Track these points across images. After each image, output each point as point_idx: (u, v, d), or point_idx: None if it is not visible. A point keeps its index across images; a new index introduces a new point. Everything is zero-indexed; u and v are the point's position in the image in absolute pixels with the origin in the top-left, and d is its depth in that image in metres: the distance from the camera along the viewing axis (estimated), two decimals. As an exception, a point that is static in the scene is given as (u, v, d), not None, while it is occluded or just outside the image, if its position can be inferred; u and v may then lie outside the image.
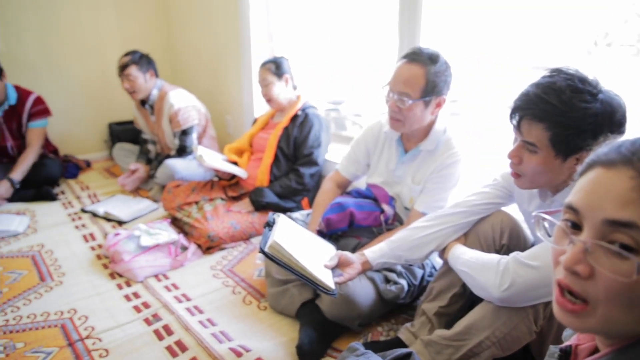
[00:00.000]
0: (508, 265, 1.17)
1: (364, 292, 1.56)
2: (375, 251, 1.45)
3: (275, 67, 2.35)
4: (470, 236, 1.43)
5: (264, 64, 2.39)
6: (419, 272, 1.66)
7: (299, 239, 1.41)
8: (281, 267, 1.27)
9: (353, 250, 1.69)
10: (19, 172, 2.84)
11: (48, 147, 3.17)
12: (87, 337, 1.66)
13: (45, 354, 1.58)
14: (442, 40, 2.08)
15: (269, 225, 1.38)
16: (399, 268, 1.63)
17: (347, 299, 1.51)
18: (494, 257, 1.23)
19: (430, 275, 1.71)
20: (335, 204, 1.75)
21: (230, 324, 1.71)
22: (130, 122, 3.63)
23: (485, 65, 2.10)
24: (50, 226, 2.54)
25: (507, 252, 1.32)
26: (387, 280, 1.62)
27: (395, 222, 1.78)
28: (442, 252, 1.46)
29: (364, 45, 2.53)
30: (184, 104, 2.80)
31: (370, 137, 1.88)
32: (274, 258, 1.26)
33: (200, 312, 1.79)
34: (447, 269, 1.46)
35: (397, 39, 2.09)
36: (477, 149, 1.99)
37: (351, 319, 1.57)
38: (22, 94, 2.93)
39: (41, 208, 2.78)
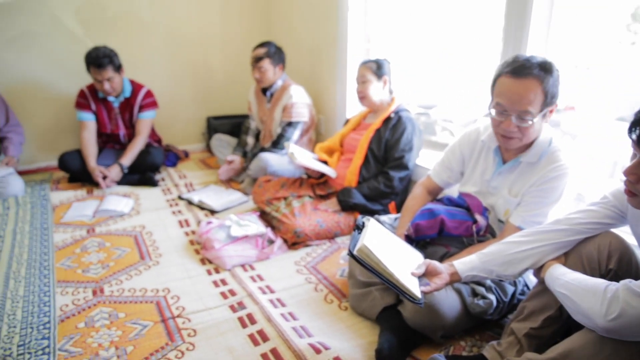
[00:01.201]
0: (618, 292, 1.07)
1: (449, 303, 1.51)
2: (466, 263, 1.40)
3: (377, 67, 2.36)
4: (571, 257, 1.32)
5: (365, 62, 2.40)
6: (509, 289, 1.58)
7: (387, 244, 1.39)
8: (368, 271, 1.26)
9: (441, 259, 1.64)
10: (127, 158, 3.10)
11: (153, 137, 3.43)
12: (178, 315, 1.77)
13: (141, 326, 1.71)
14: (548, 45, 1.95)
15: (359, 228, 1.38)
16: (488, 282, 1.56)
17: (431, 308, 1.47)
18: (601, 282, 1.13)
19: (522, 293, 1.61)
20: (426, 210, 1.71)
21: (310, 320, 1.73)
22: (227, 117, 3.82)
23: (587, 72, 1.96)
24: (151, 210, 2.74)
25: (613, 279, 1.21)
26: (475, 294, 1.55)
27: (488, 234, 1.70)
28: (538, 271, 1.37)
29: (461, 49, 2.45)
30: (302, 100, 2.93)
31: (466, 144, 1.81)
32: (362, 261, 1.25)
33: (283, 305, 1.83)
34: (542, 289, 1.37)
35: (501, 43, 1.99)
36: (582, 161, 1.85)
37: (434, 330, 1.52)
38: (135, 87, 3.20)
39: (144, 192, 3.01)
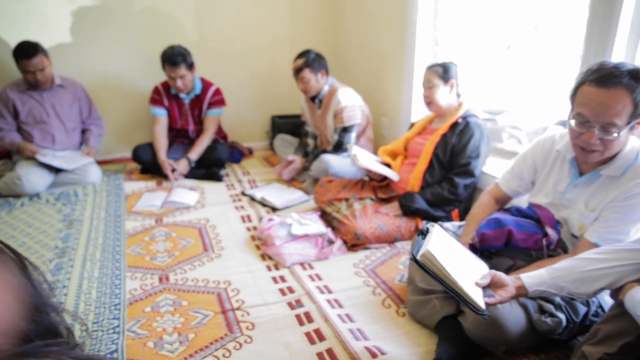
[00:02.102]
0: None
1: (513, 317, 1.44)
2: (534, 277, 1.33)
3: (443, 71, 2.30)
4: (656, 280, 1.23)
5: (432, 67, 2.36)
6: (581, 309, 1.49)
7: (451, 251, 1.36)
8: (431, 277, 1.23)
9: (506, 272, 1.57)
10: (195, 153, 3.23)
11: (219, 133, 3.54)
12: (238, 308, 1.82)
13: (203, 316, 1.77)
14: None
15: (423, 233, 1.35)
16: (557, 300, 1.48)
17: (494, 321, 1.42)
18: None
19: (596, 315, 1.52)
20: (493, 220, 1.65)
21: (367, 323, 1.72)
22: (291, 116, 3.88)
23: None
24: (215, 204, 2.83)
25: None
26: (543, 311, 1.48)
27: (559, 249, 1.61)
28: (616, 292, 1.28)
29: (534, 54, 2.34)
30: (351, 102, 2.91)
31: (539, 153, 1.73)
32: (425, 267, 1.23)
33: (340, 306, 1.83)
34: (621, 312, 1.28)
35: (582, 48, 1.89)
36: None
37: (496, 344, 1.46)
38: (206, 85, 3.32)
39: (209, 186, 3.12)
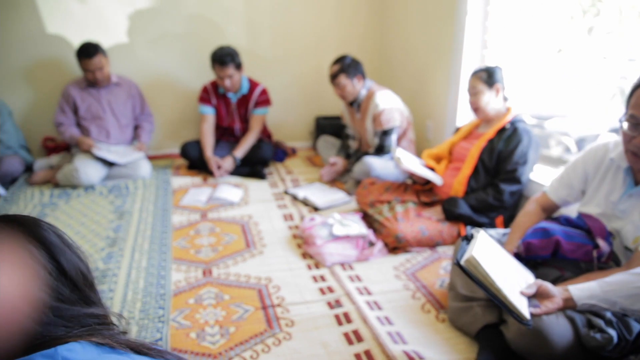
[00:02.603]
0: None
1: (559, 330, 1.40)
2: (583, 289, 1.29)
3: (487, 76, 2.25)
4: None
5: (476, 72, 2.31)
6: (635, 326, 1.42)
7: (497, 258, 1.33)
8: (475, 283, 1.22)
9: (553, 283, 1.53)
10: (240, 151, 3.30)
11: (264, 132, 3.60)
12: (278, 305, 1.85)
13: (244, 310, 1.81)
14: None
15: (467, 239, 1.34)
16: (608, 315, 1.42)
17: (539, 333, 1.38)
18: None
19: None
20: (539, 229, 1.61)
21: (406, 327, 1.72)
22: (335, 118, 3.90)
23: None
24: (259, 201, 2.88)
25: None
26: (591, 326, 1.42)
27: (611, 261, 1.55)
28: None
29: (587, 58, 2.25)
30: (389, 105, 2.89)
31: (591, 161, 1.67)
32: (469, 273, 1.21)
33: (379, 308, 1.83)
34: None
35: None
36: None
37: (539, 357, 1.42)
38: (253, 85, 3.39)
39: (253, 184, 3.18)
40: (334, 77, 2.94)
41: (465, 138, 2.47)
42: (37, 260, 0.68)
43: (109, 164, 3.21)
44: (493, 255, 1.33)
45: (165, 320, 1.75)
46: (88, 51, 3.10)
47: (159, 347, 0.83)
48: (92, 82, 3.23)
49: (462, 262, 1.23)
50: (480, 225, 2.21)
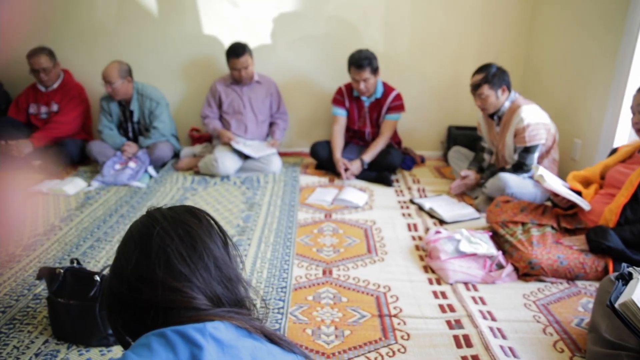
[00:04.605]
0: None
1: None
2: None
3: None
4: None
5: (645, 88, 2.03)
6: None
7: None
8: (630, 331, 1.06)
9: None
10: (369, 155, 3.31)
11: (394, 138, 3.56)
12: (395, 315, 1.80)
13: (360, 315, 1.80)
14: None
15: (624, 278, 1.17)
16: None
17: None
18: None
19: None
20: None
21: (534, 364, 1.56)
22: (469, 128, 3.72)
23: None
24: (383, 207, 2.85)
25: None
26: None
27: None
28: None
29: None
30: (535, 120, 2.65)
31: None
32: (624, 317, 1.06)
33: (504, 337, 1.69)
34: None
35: None
36: None
37: None
38: (387, 89, 3.37)
39: (378, 189, 3.16)
40: (476, 87, 2.76)
41: (624, 161, 2.18)
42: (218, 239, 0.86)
43: (244, 156, 3.42)
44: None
45: (284, 312, 1.80)
46: (237, 51, 3.34)
47: (288, 339, 0.86)
48: (237, 79, 3.47)
49: (617, 305, 1.07)
50: (634, 262, 1.93)
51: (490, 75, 2.70)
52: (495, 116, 2.84)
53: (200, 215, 0.86)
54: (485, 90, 2.71)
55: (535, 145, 2.66)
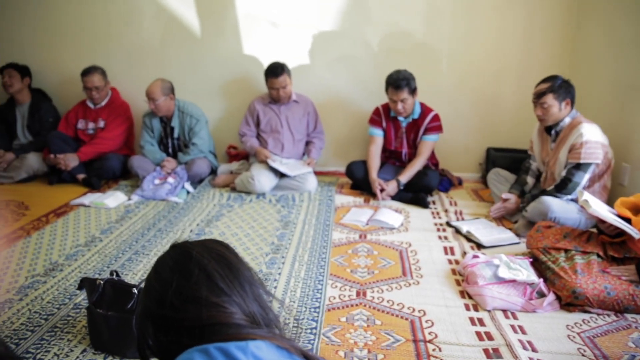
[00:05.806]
0: None
1: None
2: None
3: None
4: None
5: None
6: None
7: None
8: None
9: None
10: (405, 176, 3.27)
11: (431, 160, 3.51)
12: (430, 341, 1.75)
13: (394, 339, 1.76)
14: None
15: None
16: None
17: None
18: None
19: None
20: None
21: (579, 400, 1.48)
22: (509, 150, 3.64)
23: None
24: (419, 229, 2.80)
25: None
26: None
27: None
28: None
29: None
30: (595, 138, 2.55)
31: None
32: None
33: (546, 369, 1.62)
34: None
35: None
36: None
37: None
38: (425, 110, 3.34)
39: (414, 211, 3.11)
40: (540, 96, 2.68)
41: (677, 188, 2.08)
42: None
43: (280, 175, 3.45)
44: None
45: (317, 333, 1.78)
46: (275, 71, 3.41)
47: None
48: (275, 98, 3.53)
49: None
50: (688, 296, 1.81)
51: (556, 85, 2.64)
52: (553, 131, 2.75)
53: (225, 243, 0.94)
54: (549, 99, 2.64)
55: (589, 163, 2.55)
